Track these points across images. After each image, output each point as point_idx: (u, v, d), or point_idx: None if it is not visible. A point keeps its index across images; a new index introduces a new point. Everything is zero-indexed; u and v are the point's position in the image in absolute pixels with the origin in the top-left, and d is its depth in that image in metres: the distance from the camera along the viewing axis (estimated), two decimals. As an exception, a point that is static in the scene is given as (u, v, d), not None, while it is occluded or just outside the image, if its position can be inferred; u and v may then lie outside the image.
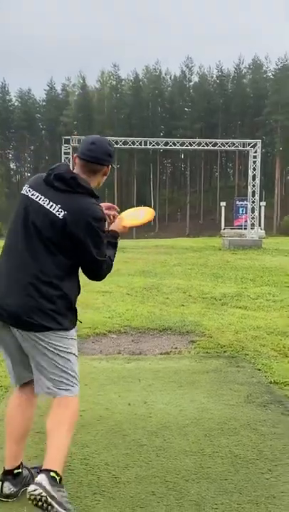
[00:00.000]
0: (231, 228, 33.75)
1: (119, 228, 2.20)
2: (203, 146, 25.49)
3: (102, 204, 2.09)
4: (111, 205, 2.26)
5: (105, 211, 2.15)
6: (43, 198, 1.91)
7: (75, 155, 2.03)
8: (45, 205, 1.90)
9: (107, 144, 2.05)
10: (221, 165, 70.06)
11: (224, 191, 57.77)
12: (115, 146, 26.98)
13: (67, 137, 25.18)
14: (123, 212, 2.29)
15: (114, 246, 2.14)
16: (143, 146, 25.77)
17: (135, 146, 26.19)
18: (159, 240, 27.77)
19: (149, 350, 4.48)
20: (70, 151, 24.49)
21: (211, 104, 61.43)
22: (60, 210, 1.89)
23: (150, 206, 53.66)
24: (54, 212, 1.89)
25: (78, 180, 1.93)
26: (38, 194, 1.91)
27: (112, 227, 2.17)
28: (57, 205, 1.89)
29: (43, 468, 1.85)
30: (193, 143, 25.48)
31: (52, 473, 1.82)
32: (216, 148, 25.59)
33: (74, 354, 1.95)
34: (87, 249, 1.91)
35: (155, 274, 10.31)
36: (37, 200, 1.91)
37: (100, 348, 4.53)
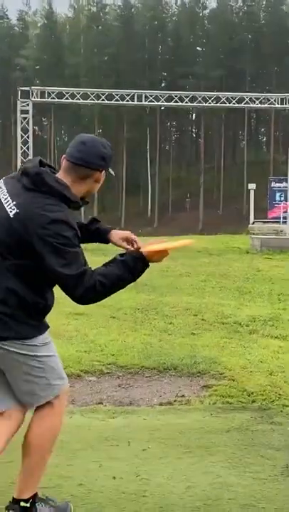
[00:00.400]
0: (264, 222, 33.93)
1: (145, 251, 2.43)
2: (223, 102, 25.68)
3: (116, 232, 2.58)
4: (128, 234, 2.62)
5: (120, 243, 2.57)
6: (5, 193, 2.25)
7: (63, 156, 2.30)
8: (3, 200, 2.23)
9: (100, 146, 2.34)
10: (250, 130, 70.69)
11: (254, 168, 58.25)
12: (96, 101, 27.15)
13: (25, 88, 25.32)
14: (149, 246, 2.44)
15: (125, 265, 2.40)
16: (136, 103, 25.89)
17: (124, 103, 26.31)
18: (158, 237, 27.83)
19: (143, 400, 4.51)
20: (30, 109, 24.64)
21: (234, 42, 61.97)
22: (13, 207, 2.19)
23: (147, 190, 54.05)
24: (7, 208, 2.20)
25: (44, 176, 2.20)
26: (4, 188, 2.27)
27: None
28: (13, 201, 2.20)
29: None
30: (209, 98, 25.65)
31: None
32: (242, 105, 25.74)
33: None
34: (44, 258, 2.18)
35: (153, 288, 10.36)
36: (0, 195, 2.26)
37: (72, 397, 4.54)
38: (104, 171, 2.37)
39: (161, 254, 2.53)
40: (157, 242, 2.53)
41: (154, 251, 2.49)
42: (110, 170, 2.40)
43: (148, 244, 2.52)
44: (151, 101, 25.24)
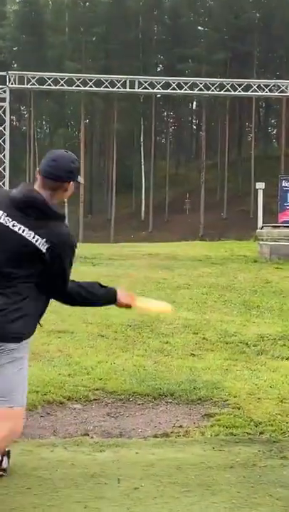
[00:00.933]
0: (274, 226, 33.89)
1: (124, 294, 3.58)
2: (227, 90, 25.83)
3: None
4: (127, 296, 3.60)
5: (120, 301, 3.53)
6: (18, 225, 3.13)
7: (38, 169, 3.17)
8: (25, 234, 3.11)
9: (69, 162, 3.20)
10: (258, 121, 71.11)
11: (263, 165, 58.56)
12: (83, 88, 27.24)
13: (1, 73, 25.39)
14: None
15: (103, 290, 3.51)
16: (128, 90, 26.02)
17: (115, 90, 26.43)
18: (153, 244, 27.94)
19: (135, 431, 4.52)
20: (7, 97, 24.68)
21: (240, 21, 62.36)
22: (44, 242, 3.11)
23: (140, 188, 54.09)
24: (36, 244, 3.09)
25: (50, 206, 3.12)
26: (12, 221, 3.12)
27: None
28: (40, 236, 3.10)
29: None
30: (212, 85, 25.79)
31: None
32: (249, 93, 25.88)
33: None
34: (62, 267, 3.24)
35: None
36: (14, 228, 3.12)
37: (54, 427, 4.55)
38: (72, 182, 3.18)
39: (127, 305, 3.56)
40: (140, 301, 3.61)
41: (126, 300, 3.52)
42: (79, 178, 3.21)
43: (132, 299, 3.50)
44: (145, 88, 25.37)
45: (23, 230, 3.07)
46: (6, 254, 3.06)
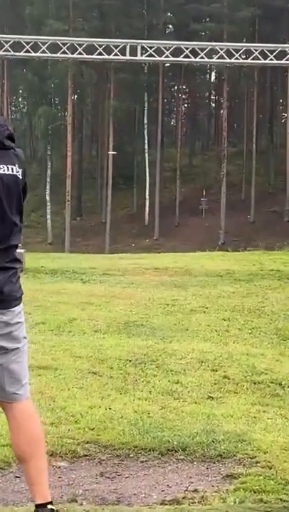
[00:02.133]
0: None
1: None
2: (256, 58, 25.90)
3: None
4: None
5: None
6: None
7: None
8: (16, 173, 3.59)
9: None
10: (295, 97, 71.07)
11: (301, 153, 58.61)
12: (71, 55, 27.39)
13: None
14: None
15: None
16: (129, 57, 26.07)
17: (112, 58, 26.49)
18: (160, 255, 27.94)
19: (137, 496, 4.51)
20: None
21: None
22: (21, 173, 3.62)
23: (144, 184, 54.33)
24: (21, 178, 3.61)
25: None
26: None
27: None
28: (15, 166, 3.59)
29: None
30: (236, 52, 25.86)
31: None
32: (283, 62, 25.93)
33: None
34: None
35: (152, 330, 10.40)
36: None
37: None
38: None
39: None
40: None
41: None
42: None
43: None
44: (150, 55, 25.44)
45: (12, 169, 3.56)
46: (15, 206, 3.57)
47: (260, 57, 25.37)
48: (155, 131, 63.05)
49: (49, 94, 68.76)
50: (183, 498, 4.46)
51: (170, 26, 68.62)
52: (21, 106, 76.22)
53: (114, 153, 58.62)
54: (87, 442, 5.38)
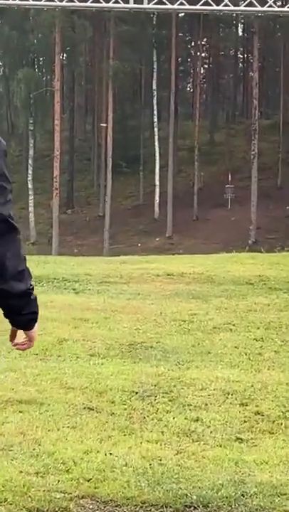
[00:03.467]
0: None
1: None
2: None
3: None
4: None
5: None
6: None
7: None
8: None
9: None
10: None
11: None
12: (58, 3, 27.46)
13: None
14: None
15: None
16: (132, 5, 26.04)
17: (111, 5, 26.48)
18: (174, 257, 27.88)
19: None
20: None
21: None
22: None
23: (153, 166, 54.29)
24: None
25: None
26: None
27: None
28: None
29: None
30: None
31: None
32: None
33: None
34: None
35: (164, 353, 10.38)
36: None
37: None
38: None
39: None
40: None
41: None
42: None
43: None
44: (160, 2, 25.50)
45: None
46: None
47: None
48: (167, 99, 63.03)
49: (31, 53, 68.88)
50: None
51: None
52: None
53: (105, 125, 58.65)
54: (83, 497, 5.37)
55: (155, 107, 64.12)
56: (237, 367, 9.60)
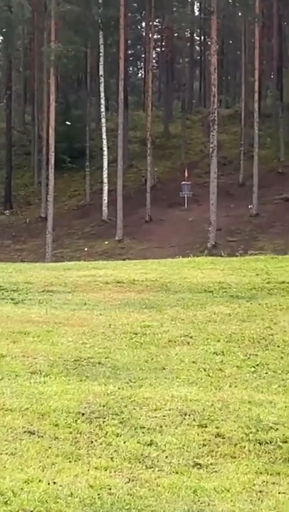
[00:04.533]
0: None
1: None
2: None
3: None
4: None
5: None
6: None
7: None
8: None
9: None
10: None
11: None
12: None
13: None
14: None
15: None
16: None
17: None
18: (125, 263, 27.86)
19: None
20: None
21: None
22: None
23: (99, 160, 54.15)
24: None
25: None
26: None
27: None
28: None
29: None
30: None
31: None
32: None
33: None
34: None
35: (114, 369, 10.40)
36: None
37: None
38: None
39: None
40: None
41: None
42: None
43: None
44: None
45: None
46: None
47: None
48: (115, 86, 63.11)
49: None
50: None
51: None
52: None
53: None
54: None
55: (102, 95, 63.98)
56: (195, 384, 9.63)
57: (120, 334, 13.00)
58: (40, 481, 6.30)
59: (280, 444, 7.37)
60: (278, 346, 12.14)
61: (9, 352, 11.37)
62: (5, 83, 69.55)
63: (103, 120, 62.63)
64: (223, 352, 11.65)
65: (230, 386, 9.62)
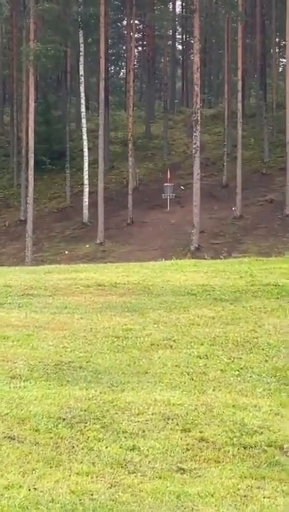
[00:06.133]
0: None
1: None
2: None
3: None
4: None
5: None
6: None
7: None
8: None
9: None
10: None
11: None
12: None
13: None
14: None
15: None
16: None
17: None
18: (106, 266, 27.84)
19: None
20: None
21: None
22: None
23: (80, 161, 54.54)
24: None
25: None
26: None
27: None
28: None
29: None
30: None
31: None
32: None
33: None
34: None
35: (96, 373, 10.41)
36: None
37: None
38: None
39: None
40: None
41: None
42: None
43: None
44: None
45: None
46: None
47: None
48: (96, 86, 63.03)
49: None
50: None
51: None
52: None
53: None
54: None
55: (83, 95, 63.92)
56: (178, 388, 9.64)
57: (102, 338, 13.00)
58: (20, 486, 6.30)
59: (265, 448, 7.38)
60: (263, 349, 12.15)
61: None
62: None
63: (84, 120, 62.56)
64: (206, 355, 11.67)
65: (214, 390, 9.63)
